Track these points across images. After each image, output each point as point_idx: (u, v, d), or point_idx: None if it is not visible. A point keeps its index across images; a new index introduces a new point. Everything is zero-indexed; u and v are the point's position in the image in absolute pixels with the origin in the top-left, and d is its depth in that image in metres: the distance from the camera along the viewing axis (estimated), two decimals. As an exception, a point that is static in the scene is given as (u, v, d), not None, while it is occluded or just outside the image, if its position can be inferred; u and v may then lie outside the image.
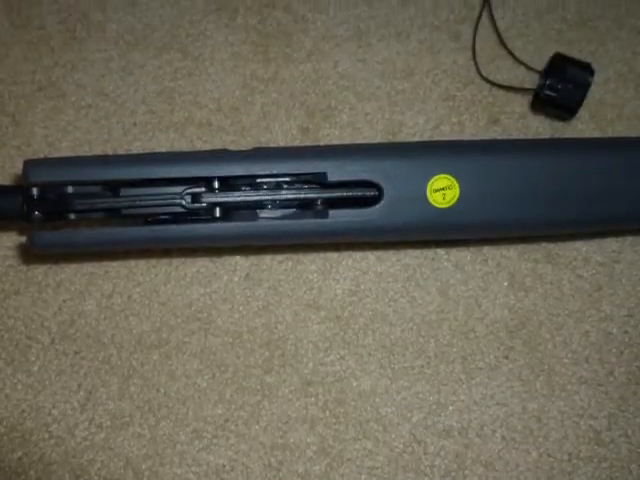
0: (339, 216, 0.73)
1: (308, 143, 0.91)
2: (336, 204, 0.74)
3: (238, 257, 0.87)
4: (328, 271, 0.86)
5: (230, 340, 0.84)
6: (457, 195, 0.74)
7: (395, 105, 0.92)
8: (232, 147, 0.88)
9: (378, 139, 0.92)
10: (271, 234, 0.75)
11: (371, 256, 0.87)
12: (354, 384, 0.82)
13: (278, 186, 0.76)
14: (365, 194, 0.74)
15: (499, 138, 0.91)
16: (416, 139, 0.91)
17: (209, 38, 0.95)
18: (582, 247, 0.86)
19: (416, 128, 0.91)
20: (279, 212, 0.76)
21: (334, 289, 0.86)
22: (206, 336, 0.84)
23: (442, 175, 0.74)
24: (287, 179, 0.75)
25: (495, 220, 0.76)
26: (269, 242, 0.81)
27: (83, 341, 0.84)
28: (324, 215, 0.74)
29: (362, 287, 0.86)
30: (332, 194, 0.74)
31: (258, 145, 0.90)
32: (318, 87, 0.93)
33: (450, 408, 0.81)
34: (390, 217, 0.74)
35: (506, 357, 0.83)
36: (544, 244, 0.86)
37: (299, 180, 0.75)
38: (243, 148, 0.80)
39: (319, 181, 0.74)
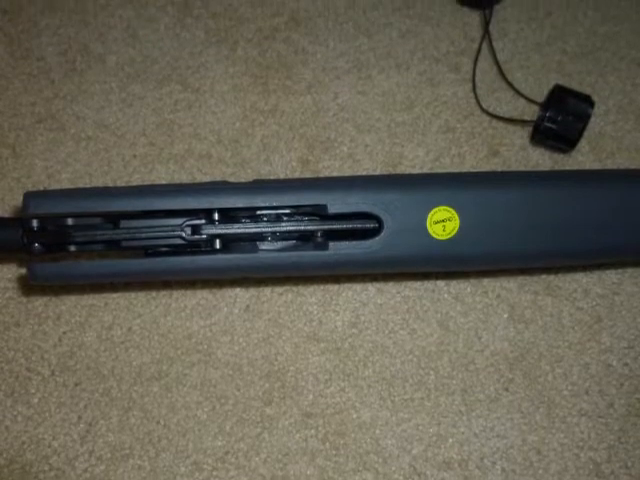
0: (339, 248, 0.76)
1: (308, 175, 0.95)
2: (336, 236, 0.76)
3: (238, 289, 0.91)
4: (328, 303, 0.90)
5: (230, 372, 0.87)
6: (457, 227, 0.76)
7: (395, 137, 0.96)
8: (232, 179, 0.93)
9: (378, 171, 0.95)
10: (271, 266, 0.77)
11: (371, 288, 0.91)
12: (354, 416, 0.85)
13: (278, 218, 0.78)
14: (365, 226, 0.76)
15: (499, 170, 0.94)
16: (416, 171, 0.94)
17: (209, 70, 1.00)
18: (582, 279, 0.90)
19: (416, 160, 0.95)
20: (279, 244, 0.78)
21: (334, 321, 0.89)
22: (206, 368, 0.87)
23: (442, 207, 0.76)
24: (287, 211, 0.77)
25: (495, 252, 0.78)
26: (269, 274, 0.84)
27: (83, 373, 0.87)
28: (324, 247, 0.76)
29: (362, 319, 0.89)
30: (332, 226, 0.76)
31: (258, 177, 0.94)
32: (318, 119, 0.97)
33: (450, 440, 0.84)
34: (390, 249, 0.76)
35: (506, 389, 0.86)
36: (544, 276, 0.90)
37: (299, 212, 0.77)
38: (243, 180, 0.83)
39: (319, 213, 0.76)
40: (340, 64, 1.00)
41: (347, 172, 0.95)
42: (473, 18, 1.02)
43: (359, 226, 0.77)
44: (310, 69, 1.00)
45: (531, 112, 0.96)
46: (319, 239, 0.77)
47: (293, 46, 1.00)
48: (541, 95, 0.96)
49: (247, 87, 0.99)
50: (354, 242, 0.76)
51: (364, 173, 0.95)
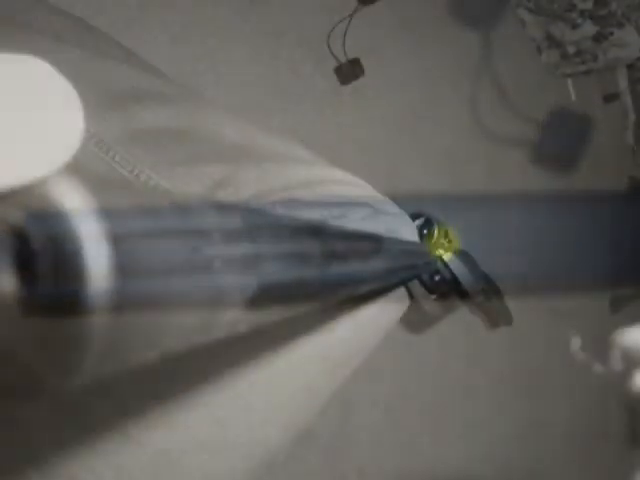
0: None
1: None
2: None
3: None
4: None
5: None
6: (458, 247, 0.78)
7: (395, 156, 0.98)
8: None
9: (378, 190, 0.96)
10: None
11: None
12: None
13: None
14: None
15: (499, 190, 0.96)
16: (416, 191, 0.96)
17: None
18: (581, 299, 0.92)
19: (416, 180, 0.96)
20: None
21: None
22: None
23: (443, 227, 0.78)
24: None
25: (495, 272, 0.79)
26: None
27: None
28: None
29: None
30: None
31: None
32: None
33: (450, 458, 0.86)
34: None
35: (506, 409, 0.87)
36: (544, 296, 0.91)
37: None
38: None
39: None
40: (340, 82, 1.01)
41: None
42: (474, 39, 1.04)
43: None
44: (310, 89, 1.01)
45: (531, 132, 0.98)
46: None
47: (295, 67, 1.02)
48: (541, 116, 0.98)
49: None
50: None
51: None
